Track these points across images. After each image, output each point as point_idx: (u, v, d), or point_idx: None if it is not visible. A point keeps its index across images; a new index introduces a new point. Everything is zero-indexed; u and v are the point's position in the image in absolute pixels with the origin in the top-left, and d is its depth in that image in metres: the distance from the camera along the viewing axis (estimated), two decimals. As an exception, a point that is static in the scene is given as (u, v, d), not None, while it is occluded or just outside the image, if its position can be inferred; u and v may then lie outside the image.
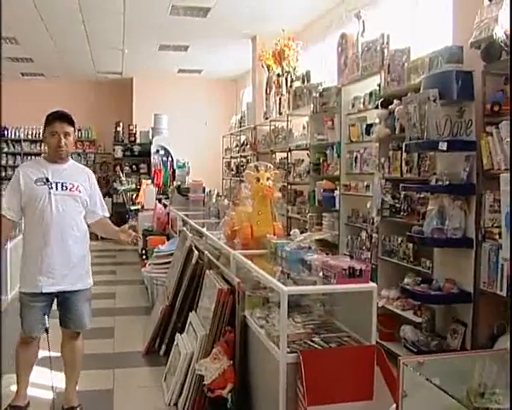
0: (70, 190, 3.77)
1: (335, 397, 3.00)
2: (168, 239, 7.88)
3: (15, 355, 3.88)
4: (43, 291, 3.68)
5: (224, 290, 3.86)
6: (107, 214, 4.09)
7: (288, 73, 9.01)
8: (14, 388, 4.39)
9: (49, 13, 9.19)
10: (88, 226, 3.96)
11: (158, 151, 13.20)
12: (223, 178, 13.46)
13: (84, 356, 4.07)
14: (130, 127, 14.70)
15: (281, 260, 3.88)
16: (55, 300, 3.82)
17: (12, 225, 3.85)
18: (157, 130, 13.75)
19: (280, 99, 9.10)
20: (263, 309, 3.71)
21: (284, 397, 3.04)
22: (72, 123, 3.82)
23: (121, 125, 14.78)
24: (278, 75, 9.34)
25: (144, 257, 8.54)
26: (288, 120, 8.67)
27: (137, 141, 14.59)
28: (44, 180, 3.72)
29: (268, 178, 4.37)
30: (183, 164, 12.69)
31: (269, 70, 9.80)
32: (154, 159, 13.06)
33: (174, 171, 12.56)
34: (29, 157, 15.37)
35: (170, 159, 12.95)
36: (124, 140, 14.77)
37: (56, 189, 3.72)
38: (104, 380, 4.62)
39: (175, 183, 10.83)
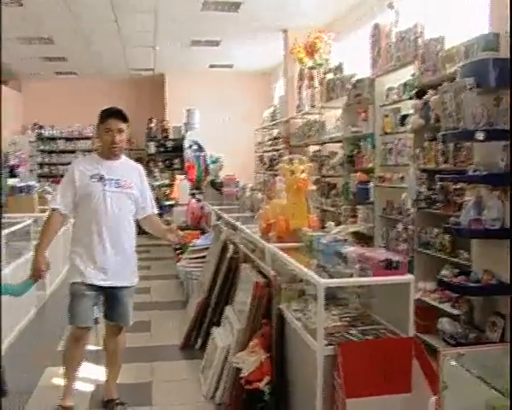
0: (123, 187, 3.81)
1: (373, 390, 2.98)
2: (202, 234, 7.91)
3: (64, 351, 3.92)
4: (96, 283, 3.73)
5: (260, 284, 3.86)
6: (156, 211, 4.12)
7: (321, 65, 8.97)
8: (56, 380, 4.52)
9: (82, 12, 9.31)
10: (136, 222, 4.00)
11: (191, 146, 13.21)
12: (255, 173, 13.47)
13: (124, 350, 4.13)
14: (163, 123, 14.80)
15: (316, 253, 3.87)
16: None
17: (64, 219, 3.88)
18: (189, 125, 13.80)
19: (312, 92, 9.06)
20: (299, 302, 3.71)
21: (321, 390, 3.04)
22: (125, 119, 3.87)
23: (154, 121, 14.89)
24: (310, 68, 9.30)
25: (179, 252, 8.59)
26: (320, 113, 8.63)
27: (170, 136, 14.67)
28: (99, 177, 3.75)
29: (302, 171, 4.37)
30: (216, 159, 12.71)
31: (301, 63, 9.76)
32: (187, 154, 13.08)
33: (207, 166, 12.57)
34: (64, 155, 15.67)
35: (203, 154, 12.96)
36: (157, 136, 14.88)
37: (111, 186, 3.76)
38: (142, 373, 4.68)
39: (208, 177, 10.85)
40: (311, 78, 9.27)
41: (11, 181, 9.12)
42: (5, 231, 5.68)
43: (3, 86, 14.50)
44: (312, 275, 3.26)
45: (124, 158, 3.98)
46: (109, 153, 3.84)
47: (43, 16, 9.56)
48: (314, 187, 4.68)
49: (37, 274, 3.72)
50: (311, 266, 3.61)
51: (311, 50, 9.13)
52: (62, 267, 8.33)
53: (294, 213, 4.39)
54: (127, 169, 3.93)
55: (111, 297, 3.84)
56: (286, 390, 3.74)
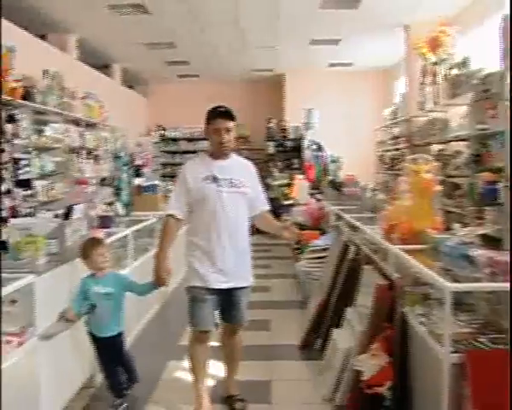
0: (237, 186, 3.78)
1: (505, 403, 2.82)
2: (322, 234, 7.87)
3: (189, 356, 3.93)
4: (215, 287, 3.74)
5: (382, 286, 3.77)
6: (268, 207, 4.06)
7: (445, 60, 8.62)
8: (178, 374, 4.66)
9: (203, 16, 9.58)
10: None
11: (310, 146, 13.22)
12: (376, 172, 13.23)
13: (242, 347, 4.16)
14: (282, 123, 14.88)
15: (442, 256, 3.71)
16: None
17: (180, 224, 3.88)
18: (309, 125, 13.77)
19: (436, 88, 8.74)
20: (423, 306, 3.58)
21: (447, 399, 2.92)
22: (232, 118, 3.79)
23: (273, 121, 15.00)
24: (434, 63, 8.97)
25: (298, 251, 8.60)
26: (444, 110, 8.31)
27: (289, 136, 14.70)
28: (212, 178, 3.73)
29: (427, 171, 4.22)
30: (336, 158, 12.62)
31: (423, 59, 9.44)
32: (307, 154, 13.10)
33: (326, 165, 12.51)
34: (186, 155, 16.17)
35: (322, 153, 12.92)
36: (276, 136, 14.98)
37: (225, 186, 3.74)
38: (262, 371, 4.72)
39: (328, 177, 10.79)
40: (435, 74, 8.93)
41: (137, 180, 9.52)
42: (132, 229, 5.95)
43: (132, 91, 15.24)
44: (438, 279, 3.13)
45: (234, 156, 3.94)
46: (219, 153, 3.80)
47: (167, 22, 9.93)
48: (440, 187, 4.48)
49: (159, 282, 3.81)
50: (435, 270, 3.47)
51: (434, 45, 8.80)
52: (183, 265, 8.59)
53: (419, 215, 4.24)
54: (238, 167, 3.89)
55: (228, 299, 3.84)
56: (408, 397, 3.62)
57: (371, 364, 3.62)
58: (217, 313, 3.87)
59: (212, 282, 3.72)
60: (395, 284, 3.69)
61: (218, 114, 3.76)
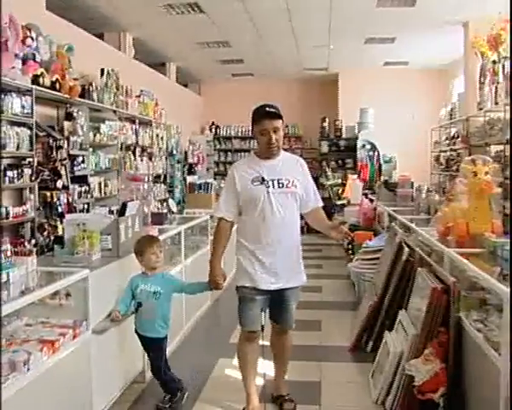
0: (286, 186, 3.68)
1: None
2: (375, 235, 7.77)
3: (238, 355, 3.93)
4: (264, 288, 3.69)
5: (437, 289, 3.67)
6: (321, 204, 3.93)
7: (506, 58, 8.37)
8: (228, 372, 4.67)
9: (258, 15, 9.57)
10: (301, 217, 3.88)
11: (364, 146, 13.09)
12: (431, 173, 12.98)
13: (292, 347, 4.13)
14: (336, 122, 14.74)
15: (500, 260, 3.61)
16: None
17: (231, 226, 3.84)
18: (363, 124, 13.65)
19: (496, 88, 8.50)
20: (479, 311, 3.48)
21: (503, 408, 2.82)
22: (279, 116, 3.68)
23: (327, 120, 14.90)
24: (494, 62, 8.73)
25: (350, 252, 8.52)
26: (505, 110, 8.07)
27: (343, 136, 14.58)
28: (260, 179, 3.66)
29: (486, 173, 4.10)
30: (390, 158, 12.46)
31: (483, 57, 9.20)
32: (360, 153, 12.98)
33: (380, 165, 12.38)
34: (239, 154, 16.25)
35: (376, 153, 12.78)
36: (329, 135, 14.88)
37: (274, 187, 3.65)
38: (312, 372, 4.67)
39: (382, 178, 10.66)
40: (495, 73, 8.68)
41: (190, 178, 9.62)
42: (184, 226, 5.99)
43: (186, 89, 15.41)
44: (497, 284, 3.03)
45: (282, 154, 3.82)
46: (267, 153, 3.72)
47: (222, 21, 9.97)
48: (498, 190, 4.35)
49: (214, 286, 3.83)
50: (493, 274, 3.37)
51: (494, 43, 8.56)
52: (233, 263, 8.62)
53: (476, 217, 4.14)
54: (288, 166, 3.77)
55: (278, 299, 3.79)
56: (462, 404, 3.53)
57: (424, 369, 3.54)
58: (263, 314, 3.83)
59: (260, 283, 3.68)
60: (451, 287, 3.59)
61: (264, 114, 3.67)
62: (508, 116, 8.05)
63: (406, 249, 4.89)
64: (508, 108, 7.79)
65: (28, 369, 2.79)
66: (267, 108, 3.67)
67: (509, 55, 8.22)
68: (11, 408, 2.64)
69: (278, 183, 3.67)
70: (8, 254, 3.30)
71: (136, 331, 4.02)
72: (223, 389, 4.39)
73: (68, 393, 3.26)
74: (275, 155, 3.75)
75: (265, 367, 4.07)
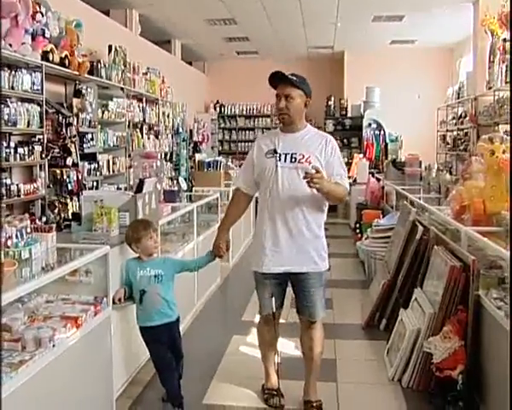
0: (299, 161, 3.39)
1: None
2: (383, 213, 7.77)
3: (257, 333, 3.89)
4: (267, 271, 3.50)
5: (456, 268, 3.68)
6: (347, 185, 3.54)
7: (516, 36, 8.31)
8: (242, 349, 4.70)
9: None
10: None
11: (370, 125, 13.05)
12: (437, 153, 12.95)
13: (322, 346, 3.80)
14: (342, 101, 14.67)
15: (518, 239, 3.61)
16: (289, 282, 3.62)
17: (248, 198, 3.72)
18: (369, 103, 13.59)
19: (506, 66, 8.43)
20: (499, 290, 3.49)
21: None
22: (293, 84, 3.38)
23: (332, 99, 14.82)
24: (504, 40, 8.66)
25: (358, 231, 8.52)
26: (511, 89, 8.02)
27: (349, 115, 14.52)
28: (273, 152, 3.45)
29: (504, 151, 4.08)
30: (396, 138, 12.42)
31: (493, 35, 9.12)
32: (366, 133, 12.94)
33: (386, 144, 12.35)
34: (244, 132, 16.24)
35: (382, 132, 12.74)
36: (335, 114, 14.81)
37: (285, 161, 3.41)
38: (326, 349, 4.64)
39: (389, 157, 10.63)
40: (505, 51, 8.61)
41: (199, 156, 9.59)
42: (197, 204, 5.99)
43: (191, 67, 15.31)
44: (519, 262, 3.03)
45: (308, 129, 3.55)
46: (279, 121, 3.51)
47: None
48: (516, 168, 4.33)
49: (216, 252, 3.71)
50: None
51: (505, 21, 8.49)
52: (243, 240, 8.66)
53: (493, 196, 4.12)
54: (308, 141, 3.48)
55: (295, 286, 3.57)
56: (480, 382, 3.55)
57: (442, 347, 3.55)
58: (274, 300, 3.58)
59: (264, 266, 3.49)
60: (471, 266, 3.58)
61: (275, 77, 3.42)
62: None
63: (420, 228, 4.89)
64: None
65: (54, 345, 2.79)
66: (280, 74, 3.39)
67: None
68: (38, 384, 2.65)
69: (291, 157, 3.41)
70: (28, 230, 3.30)
71: (142, 328, 3.73)
72: (238, 366, 4.41)
73: (90, 369, 3.27)
74: (290, 127, 3.50)
75: (285, 346, 4.06)
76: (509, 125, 8.32)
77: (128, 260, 3.73)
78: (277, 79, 3.42)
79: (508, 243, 3.60)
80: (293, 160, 3.41)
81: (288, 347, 4.53)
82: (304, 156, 3.41)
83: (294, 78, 3.41)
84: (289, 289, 3.66)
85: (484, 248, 3.73)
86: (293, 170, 3.40)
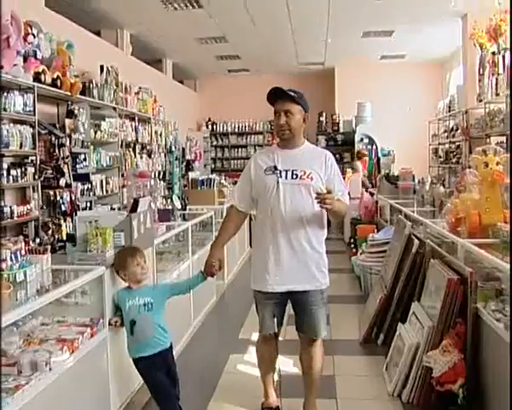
0: (300, 178, 3.36)
1: None
2: (377, 228, 7.77)
3: (256, 352, 3.84)
4: (270, 291, 3.45)
5: (454, 280, 3.67)
6: (348, 202, 3.54)
7: (506, 49, 8.38)
8: (240, 367, 4.66)
9: (257, 10, 9.52)
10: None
11: (362, 139, 13.10)
12: (429, 166, 12.98)
13: (321, 364, 3.77)
14: (334, 117, 14.75)
15: (514, 250, 3.60)
16: (289, 301, 3.56)
17: (243, 216, 3.68)
18: (360, 118, 13.65)
19: (496, 79, 8.50)
20: (497, 302, 3.47)
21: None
22: (293, 99, 3.37)
23: (324, 114, 14.89)
24: (493, 53, 8.73)
25: (353, 246, 8.51)
26: (506, 102, 8.08)
27: (341, 130, 14.58)
28: (273, 168, 3.40)
29: (498, 163, 4.09)
30: (388, 152, 12.46)
31: (482, 49, 9.20)
32: (358, 147, 12.97)
33: (379, 159, 12.37)
34: (236, 150, 16.29)
35: (374, 147, 12.77)
36: (327, 129, 14.87)
37: (286, 177, 3.37)
38: (325, 366, 4.63)
39: (382, 171, 10.65)
40: (494, 64, 8.69)
41: (192, 174, 9.58)
42: (192, 222, 5.97)
43: (183, 85, 15.35)
44: (517, 273, 3.03)
45: (306, 146, 3.53)
46: (279, 138, 3.48)
47: (219, 16, 9.92)
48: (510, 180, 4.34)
49: (208, 270, 3.59)
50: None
51: (494, 34, 8.57)
52: (239, 257, 8.65)
53: (488, 208, 4.12)
54: (308, 158, 3.45)
55: (296, 304, 3.52)
56: (481, 395, 3.52)
57: (442, 360, 3.54)
58: (276, 320, 3.56)
59: (266, 285, 3.44)
60: (469, 278, 3.57)
61: (274, 94, 3.41)
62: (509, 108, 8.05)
63: (416, 241, 4.88)
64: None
65: (50, 369, 2.76)
66: (279, 90, 3.39)
67: (509, 46, 8.23)
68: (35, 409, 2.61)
69: (292, 174, 3.38)
70: (23, 252, 3.26)
71: (135, 359, 3.63)
72: (237, 384, 4.37)
73: (87, 391, 3.23)
74: (290, 143, 3.47)
75: (284, 364, 4.03)
76: (500, 137, 8.37)
77: (118, 290, 3.66)
78: (276, 95, 3.41)
79: (505, 255, 3.60)
80: (295, 176, 3.39)
81: (286, 364, 4.49)
82: (305, 173, 3.39)
83: (293, 93, 3.40)
84: (288, 307, 3.62)
85: (480, 261, 3.72)
86: (295, 186, 3.38)
